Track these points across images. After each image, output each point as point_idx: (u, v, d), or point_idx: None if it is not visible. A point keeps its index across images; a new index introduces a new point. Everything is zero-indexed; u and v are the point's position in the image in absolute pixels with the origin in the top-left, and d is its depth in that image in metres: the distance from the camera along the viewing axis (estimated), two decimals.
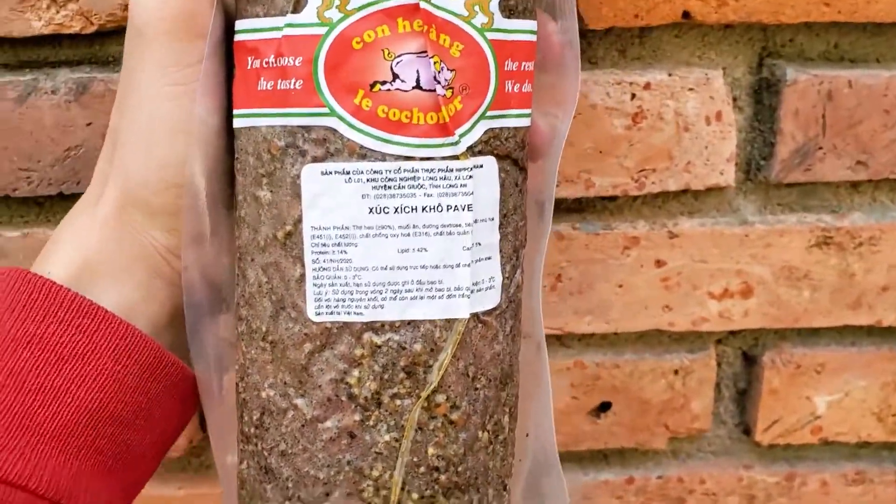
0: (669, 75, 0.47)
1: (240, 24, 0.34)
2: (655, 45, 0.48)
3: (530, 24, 0.35)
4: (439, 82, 0.32)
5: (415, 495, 0.35)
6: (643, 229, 0.50)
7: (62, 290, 0.35)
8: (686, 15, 0.46)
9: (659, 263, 0.51)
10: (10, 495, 0.32)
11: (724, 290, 0.52)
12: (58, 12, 0.44)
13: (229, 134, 0.36)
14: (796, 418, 0.55)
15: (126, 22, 0.42)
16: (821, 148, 0.49)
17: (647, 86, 0.47)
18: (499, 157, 0.35)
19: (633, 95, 0.47)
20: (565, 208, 0.51)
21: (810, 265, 0.51)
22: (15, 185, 0.47)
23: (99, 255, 0.36)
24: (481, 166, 0.34)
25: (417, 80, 0.32)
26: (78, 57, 0.46)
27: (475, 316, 0.35)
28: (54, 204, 0.49)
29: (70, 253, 0.36)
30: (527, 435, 0.41)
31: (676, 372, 0.54)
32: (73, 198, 0.47)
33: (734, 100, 0.49)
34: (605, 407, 0.55)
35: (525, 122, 0.36)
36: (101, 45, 0.46)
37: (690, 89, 0.47)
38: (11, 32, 0.44)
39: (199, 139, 0.35)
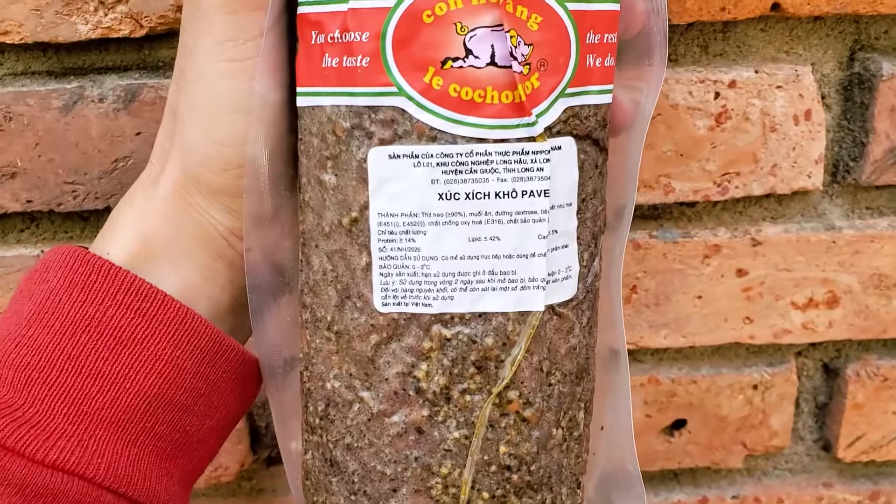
0: (756, 72, 0.44)
1: None
2: (740, 41, 0.44)
3: None
4: (515, 58, 0.29)
5: (485, 494, 0.33)
6: (724, 237, 0.47)
7: (121, 271, 0.33)
8: (775, 7, 0.42)
9: (741, 273, 0.48)
10: (67, 484, 0.31)
11: (809, 300, 0.48)
12: (106, 15, 0.41)
13: (292, 112, 0.34)
14: (881, 434, 0.52)
15: (177, 24, 0.40)
16: None
17: (731, 84, 0.44)
18: (578, 138, 0.32)
19: (717, 94, 0.44)
20: (641, 215, 0.47)
21: None
22: (60, 199, 0.44)
23: (159, 236, 0.34)
24: (559, 148, 0.31)
25: (492, 56, 0.29)
26: (126, 62, 0.43)
27: (551, 308, 0.32)
28: (101, 219, 0.46)
29: (129, 234, 0.35)
30: (601, 428, 0.38)
31: (755, 387, 0.51)
32: None
33: (822, 97, 0.45)
34: (679, 424, 0.52)
35: (607, 98, 0.33)
36: (151, 49, 0.43)
37: (779, 87, 0.44)
38: (57, 37, 0.41)
39: (259, 118, 0.33)
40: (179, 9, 0.41)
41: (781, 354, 0.51)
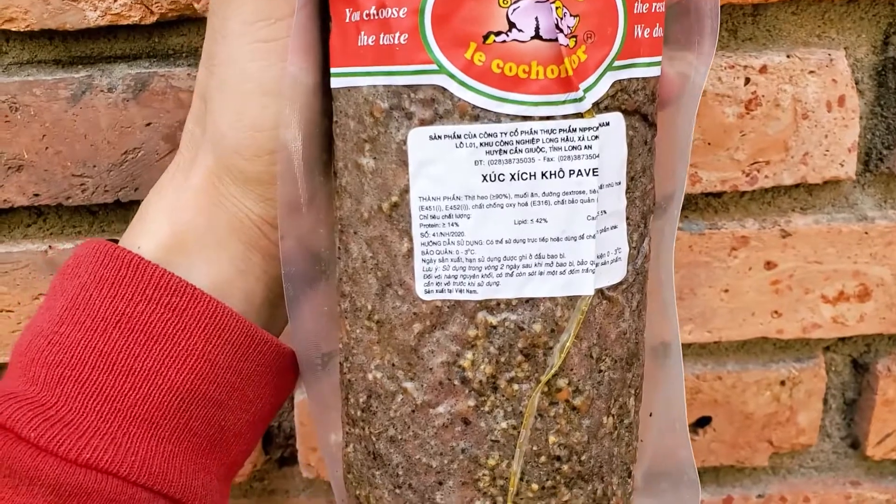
0: (788, 57, 0.42)
1: None
2: (770, 24, 0.43)
3: None
4: (561, 30, 0.28)
5: (535, 486, 0.32)
6: (753, 228, 0.46)
7: (150, 266, 0.33)
8: None
9: (769, 265, 0.46)
10: (101, 483, 0.31)
11: (840, 293, 0.47)
12: (115, 1, 0.40)
13: (326, 94, 0.33)
14: None
15: (189, 10, 0.38)
16: None
17: (762, 69, 0.43)
18: (626, 113, 0.30)
19: (748, 80, 0.43)
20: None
21: None
22: (68, 192, 0.43)
23: (191, 228, 0.34)
24: (607, 124, 0.30)
25: (537, 29, 0.28)
26: (136, 50, 0.42)
27: (599, 292, 0.31)
28: (110, 213, 0.45)
29: (161, 226, 0.34)
30: (650, 415, 0.37)
31: (783, 383, 0.49)
32: (131, 206, 0.43)
33: (856, 83, 0.44)
34: (704, 422, 0.51)
35: (655, 70, 0.31)
36: (162, 36, 0.42)
37: (811, 72, 0.43)
38: (64, 24, 0.40)
39: (292, 100, 0.32)
40: None
41: (809, 349, 0.49)
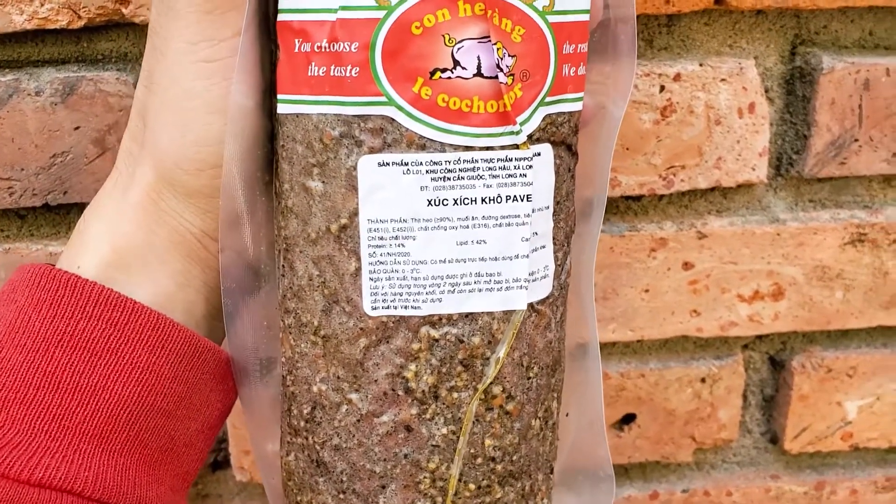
0: (701, 65, 0.45)
1: (284, 3, 0.32)
2: (684, 34, 0.45)
3: (585, 3, 0.33)
4: (501, 69, 0.31)
5: (471, 486, 0.34)
6: (671, 230, 0.48)
7: (88, 283, 0.33)
8: (719, 0, 0.43)
9: (687, 266, 0.48)
10: (57, 500, 0.32)
11: (755, 292, 0.49)
12: (42, 5, 0.40)
13: (267, 116, 0.34)
14: (826, 425, 0.53)
15: (117, 16, 0.39)
16: (856, 140, 0.46)
17: (676, 77, 0.45)
18: (554, 144, 0.33)
19: (662, 87, 0.45)
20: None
21: (843, 264, 0.49)
22: None
23: (132, 244, 0.35)
24: (539, 154, 0.33)
25: (479, 67, 0.31)
26: (64, 55, 0.43)
27: (530, 306, 0.34)
28: (38, 216, 0.45)
29: (100, 243, 0.35)
30: (566, 415, 0.40)
31: (703, 380, 0.51)
32: (60, 209, 0.43)
33: (765, 91, 0.46)
34: (628, 419, 0.52)
35: (579, 105, 0.34)
36: (90, 41, 0.43)
37: (723, 80, 0.45)
38: None
39: (233, 121, 0.33)
40: (117, 0, 0.40)
41: (728, 347, 0.51)
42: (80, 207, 0.45)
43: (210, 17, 0.32)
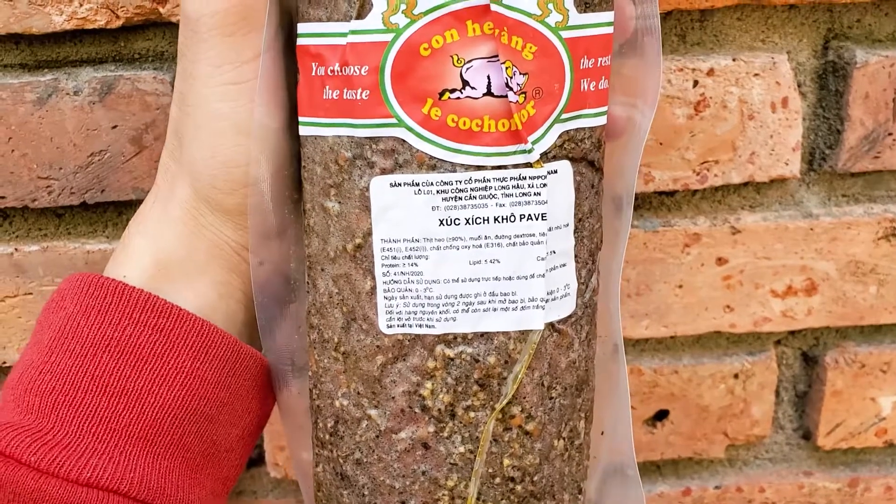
0: (734, 60, 0.44)
1: (302, 28, 0.33)
2: (717, 29, 0.45)
3: (607, 16, 0.33)
4: (511, 88, 0.31)
5: None
6: (704, 225, 0.48)
7: (135, 291, 0.34)
8: None
9: (720, 261, 0.48)
10: (103, 500, 0.33)
11: (788, 287, 0.49)
12: (81, 6, 0.41)
13: (294, 137, 0.35)
14: (860, 421, 0.53)
15: (154, 15, 0.39)
16: (890, 134, 0.46)
17: (710, 72, 0.45)
18: (574, 161, 0.33)
19: (696, 82, 0.45)
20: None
21: (877, 259, 0.49)
22: (34, 195, 0.44)
23: (173, 256, 0.36)
24: (556, 172, 0.32)
25: (488, 87, 0.31)
26: (102, 54, 0.43)
27: (550, 325, 0.33)
28: (76, 215, 0.45)
29: (143, 256, 0.36)
30: (602, 433, 0.39)
31: (736, 376, 0.51)
32: (97, 208, 0.44)
33: (798, 86, 0.46)
34: (661, 415, 0.52)
35: (601, 120, 0.34)
36: (127, 40, 0.43)
37: (756, 75, 0.45)
38: (31, 28, 0.41)
39: (259, 141, 0.34)
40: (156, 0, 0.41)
41: (761, 343, 0.51)
42: (116, 206, 0.45)
43: (231, 39, 0.33)
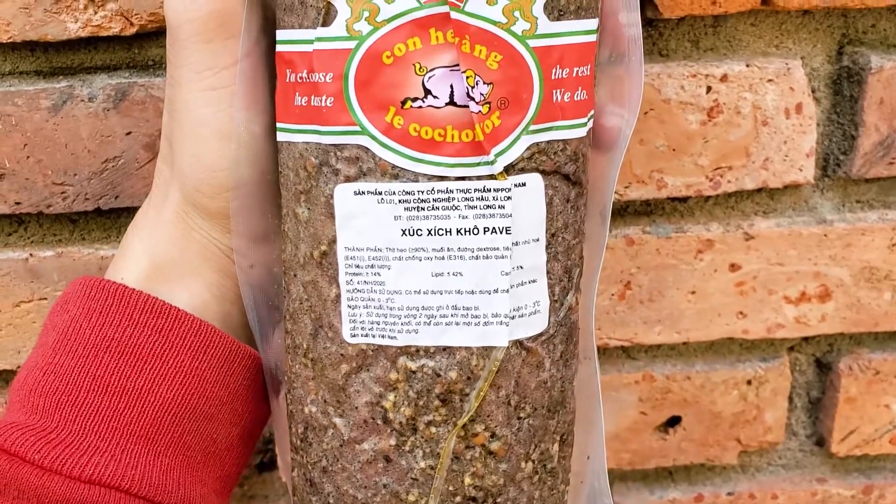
0: (747, 66, 0.44)
1: (279, 34, 0.33)
2: (730, 35, 0.45)
3: (586, 24, 0.32)
4: (473, 98, 0.30)
5: None
6: (717, 231, 0.47)
7: (135, 293, 0.35)
8: (765, 1, 0.43)
9: (734, 267, 0.48)
10: (105, 496, 0.33)
11: (802, 293, 0.49)
12: (95, 13, 0.41)
13: (274, 143, 0.35)
14: (874, 427, 0.52)
15: None
16: None
17: (723, 78, 0.44)
18: (545, 174, 0.32)
19: (709, 88, 0.44)
20: (633, 211, 0.48)
21: (892, 265, 0.48)
22: (49, 201, 0.44)
23: (168, 258, 0.36)
24: (524, 184, 0.32)
25: (451, 96, 0.30)
26: (116, 61, 0.43)
27: (518, 343, 0.33)
28: (90, 220, 0.45)
29: (140, 259, 0.36)
30: (587, 458, 0.39)
31: (749, 382, 0.51)
32: (111, 213, 0.44)
33: (812, 91, 0.46)
34: (674, 421, 0.52)
35: (579, 132, 0.33)
36: (142, 48, 0.43)
37: (770, 80, 0.44)
38: (46, 36, 0.41)
39: (241, 146, 0.34)
40: None
41: (774, 349, 0.51)
42: (130, 211, 0.45)
43: (211, 45, 0.33)
